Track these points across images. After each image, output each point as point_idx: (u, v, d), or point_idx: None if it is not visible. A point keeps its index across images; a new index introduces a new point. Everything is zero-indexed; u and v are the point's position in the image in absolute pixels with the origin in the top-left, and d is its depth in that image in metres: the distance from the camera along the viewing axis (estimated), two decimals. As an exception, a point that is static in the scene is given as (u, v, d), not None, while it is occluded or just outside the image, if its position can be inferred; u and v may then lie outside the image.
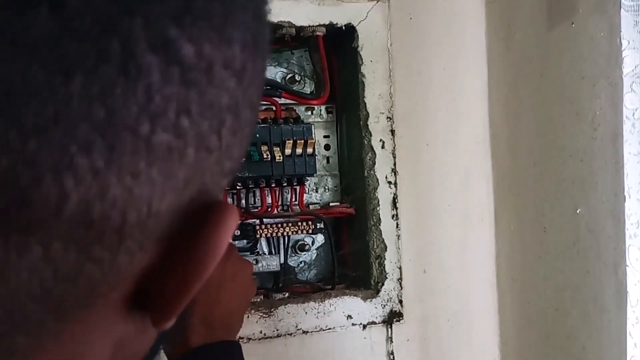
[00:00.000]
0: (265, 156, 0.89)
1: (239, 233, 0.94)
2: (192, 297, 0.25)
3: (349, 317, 0.94)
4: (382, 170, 0.95)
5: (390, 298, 0.96)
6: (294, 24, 0.91)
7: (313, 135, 0.93)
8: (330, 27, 0.93)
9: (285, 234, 0.94)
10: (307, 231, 0.95)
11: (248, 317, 0.89)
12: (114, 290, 0.24)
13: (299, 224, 0.94)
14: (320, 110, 1.01)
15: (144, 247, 0.23)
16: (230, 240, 0.78)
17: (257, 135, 0.90)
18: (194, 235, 0.24)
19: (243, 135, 0.26)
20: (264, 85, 0.28)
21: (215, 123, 0.23)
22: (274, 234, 0.93)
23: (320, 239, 1.01)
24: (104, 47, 0.19)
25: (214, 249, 0.25)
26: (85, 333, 0.24)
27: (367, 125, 0.95)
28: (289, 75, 0.98)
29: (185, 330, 0.71)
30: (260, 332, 0.89)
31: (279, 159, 0.91)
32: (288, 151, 0.91)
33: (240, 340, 0.88)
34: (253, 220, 0.94)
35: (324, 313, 0.93)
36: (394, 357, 0.97)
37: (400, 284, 0.97)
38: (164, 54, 0.20)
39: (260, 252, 0.96)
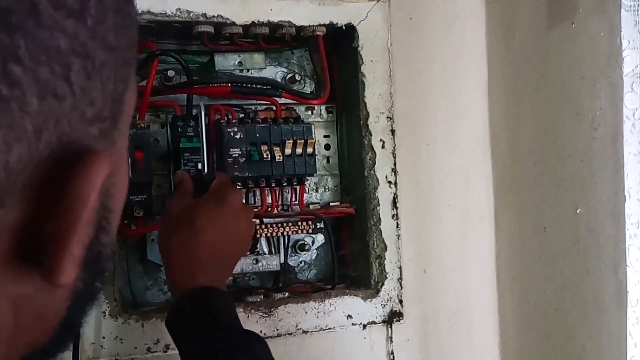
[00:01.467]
0: (265, 156, 0.89)
1: None
2: (76, 246, 0.25)
3: (349, 316, 0.94)
4: (382, 170, 0.95)
5: (390, 298, 0.96)
6: (294, 24, 0.91)
7: (313, 135, 0.93)
8: (331, 27, 0.93)
9: (285, 233, 0.94)
10: (307, 231, 0.95)
11: (248, 316, 0.89)
12: None
13: (299, 223, 0.94)
14: (321, 110, 1.01)
15: (6, 202, 0.22)
16: (234, 187, 0.77)
17: (257, 135, 0.90)
18: (62, 185, 0.24)
19: (103, 78, 0.24)
20: (125, 23, 0.26)
21: (58, 68, 0.22)
22: (274, 234, 0.93)
23: (320, 238, 1.00)
24: None
25: (83, 196, 0.24)
26: None
27: (367, 125, 0.95)
28: (289, 75, 0.98)
29: (170, 272, 0.71)
30: (260, 331, 0.89)
31: (279, 159, 0.91)
32: (288, 151, 0.91)
33: (240, 340, 0.88)
34: (253, 219, 0.94)
35: (324, 313, 0.93)
36: (394, 357, 0.97)
37: (400, 283, 0.97)
38: None
39: (260, 252, 0.96)
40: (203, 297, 0.68)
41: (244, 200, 0.91)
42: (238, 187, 0.92)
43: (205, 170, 0.83)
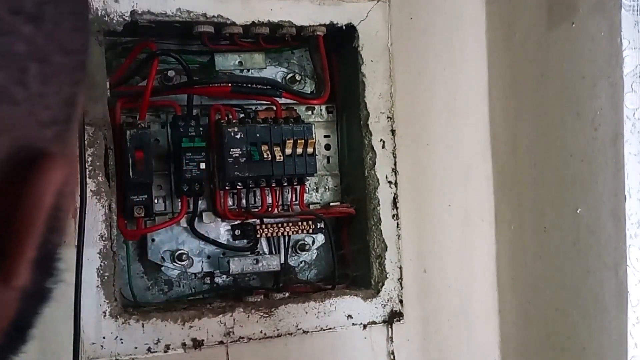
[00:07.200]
0: (265, 156, 0.89)
1: (239, 231, 0.94)
2: (32, 250, 0.25)
3: (350, 317, 0.94)
4: (382, 170, 0.95)
5: (391, 298, 0.96)
6: (295, 24, 0.91)
7: (313, 135, 0.93)
8: (331, 27, 0.93)
9: (285, 233, 0.94)
10: (308, 231, 0.95)
11: (248, 317, 0.89)
12: None
13: (300, 223, 0.94)
14: (321, 110, 1.01)
15: None
16: None
17: (258, 135, 0.90)
18: (18, 189, 0.24)
19: (59, 81, 0.24)
20: (80, 26, 0.26)
21: (14, 73, 0.22)
22: (275, 234, 0.93)
23: (320, 238, 1.00)
24: None
25: (41, 201, 0.24)
26: None
27: (368, 125, 0.95)
28: (290, 75, 0.98)
29: None
30: (261, 332, 0.89)
31: (280, 159, 0.90)
32: (288, 151, 0.91)
33: (241, 340, 0.88)
34: (253, 220, 0.94)
35: (325, 313, 0.93)
36: (394, 357, 0.97)
37: (401, 283, 0.97)
38: None
39: (261, 252, 0.96)
40: None
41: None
42: (239, 187, 0.92)
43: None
